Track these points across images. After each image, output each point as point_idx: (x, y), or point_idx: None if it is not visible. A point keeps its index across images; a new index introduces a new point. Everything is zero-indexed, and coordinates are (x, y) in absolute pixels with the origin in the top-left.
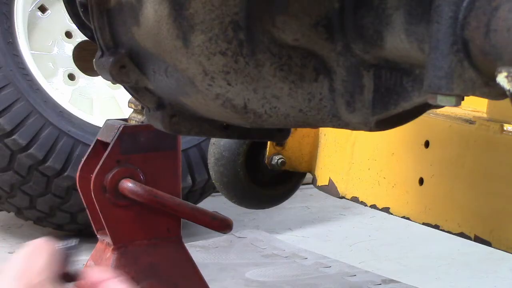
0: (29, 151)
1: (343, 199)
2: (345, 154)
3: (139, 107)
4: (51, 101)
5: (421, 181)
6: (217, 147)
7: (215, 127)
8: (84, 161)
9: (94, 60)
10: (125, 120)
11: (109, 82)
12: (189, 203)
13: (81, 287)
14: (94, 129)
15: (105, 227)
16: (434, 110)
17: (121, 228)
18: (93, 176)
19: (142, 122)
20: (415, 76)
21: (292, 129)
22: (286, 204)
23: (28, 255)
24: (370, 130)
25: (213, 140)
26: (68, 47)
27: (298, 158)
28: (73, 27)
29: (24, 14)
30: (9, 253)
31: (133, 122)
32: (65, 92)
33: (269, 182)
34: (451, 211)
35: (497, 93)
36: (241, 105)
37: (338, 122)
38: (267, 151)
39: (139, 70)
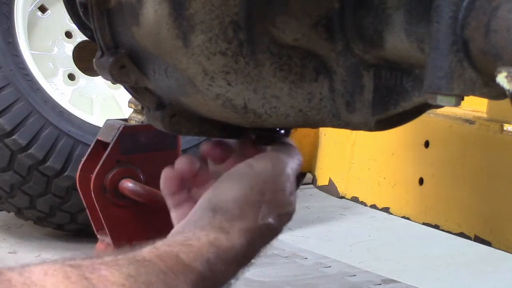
0: (29, 151)
1: (343, 199)
2: (345, 154)
3: (139, 107)
4: (51, 101)
5: (421, 181)
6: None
7: (215, 127)
8: (84, 161)
9: (94, 60)
10: (125, 120)
11: (109, 82)
12: None
13: None
14: (94, 129)
15: (105, 227)
16: (434, 110)
17: (121, 228)
18: (93, 176)
19: (142, 122)
20: (415, 76)
21: (292, 129)
22: None
23: None
24: (370, 130)
25: None
26: (68, 47)
27: None
28: (73, 27)
29: (24, 14)
30: (9, 253)
31: (133, 122)
32: (65, 92)
33: None
34: (451, 211)
35: (497, 93)
36: (241, 105)
37: (338, 122)
38: None
39: (139, 70)
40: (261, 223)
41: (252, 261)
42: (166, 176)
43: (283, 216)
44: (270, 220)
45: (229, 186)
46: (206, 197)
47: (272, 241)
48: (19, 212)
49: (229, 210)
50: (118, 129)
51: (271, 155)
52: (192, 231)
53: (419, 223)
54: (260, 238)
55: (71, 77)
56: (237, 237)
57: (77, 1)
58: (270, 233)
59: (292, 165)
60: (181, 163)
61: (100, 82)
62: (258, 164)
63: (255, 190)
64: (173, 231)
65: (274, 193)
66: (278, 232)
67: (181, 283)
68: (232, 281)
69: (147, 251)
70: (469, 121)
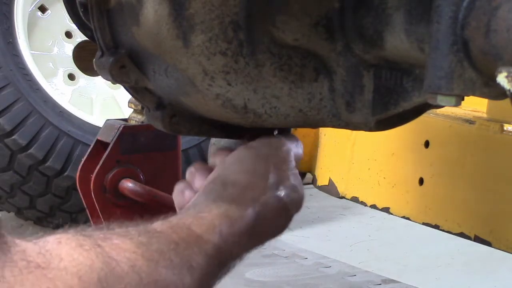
0: (29, 151)
1: (343, 199)
2: (345, 154)
3: (139, 107)
4: (51, 101)
5: (421, 181)
6: (217, 147)
7: (215, 127)
8: (84, 161)
9: (94, 60)
10: (125, 120)
11: (109, 82)
12: None
13: None
14: (94, 129)
15: None
16: (434, 110)
17: None
18: (93, 176)
19: (142, 122)
20: (415, 76)
21: (292, 129)
22: None
23: None
24: (370, 130)
25: (213, 140)
26: (68, 47)
27: None
28: (73, 27)
29: (24, 14)
30: None
31: (133, 122)
32: (65, 92)
33: None
34: (451, 211)
35: (497, 93)
36: (241, 105)
37: (338, 122)
38: None
39: (139, 70)
40: (270, 193)
41: (265, 238)
42: (178, 189)
43: (292, 192)
44: (279, 192)
45: (236, 162)
46: (215, 174)
47: (285, 224)
48: (19, 212)
49: (238, 181)
50: (118, 129)
51: (268, 136)
52: (203, 204)
53: (419, 223)
54: (271, 211)
55: (71, 77)
56: (248, 206)
57: (77, 1)
58: (281, 208)
59: (290, 144)
60: (191, 174)
61: (100, 82)
62: (257, 143)
63: (261, 162)
64: (185, 207)
65: (278, 165)
66: (290, 213)
67: (194, 254)
68: (244, 255)
69: (159, 223)
70: (469, 121)
